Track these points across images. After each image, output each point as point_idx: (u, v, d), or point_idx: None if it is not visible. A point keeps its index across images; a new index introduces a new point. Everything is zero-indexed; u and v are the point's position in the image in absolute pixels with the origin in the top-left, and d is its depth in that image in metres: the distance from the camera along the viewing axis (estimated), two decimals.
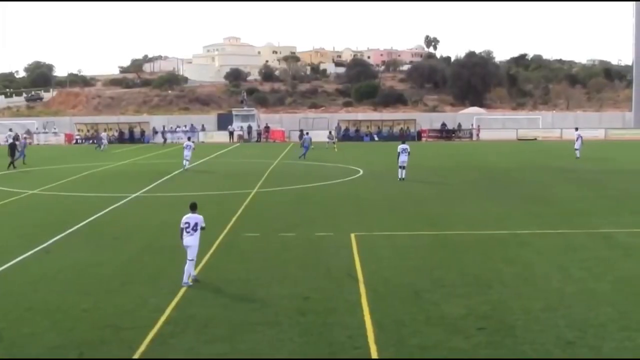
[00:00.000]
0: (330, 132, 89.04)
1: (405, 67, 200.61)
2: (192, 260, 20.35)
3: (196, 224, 20.69)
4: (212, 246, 25.01)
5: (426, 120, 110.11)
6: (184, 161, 55.66)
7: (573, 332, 15.94)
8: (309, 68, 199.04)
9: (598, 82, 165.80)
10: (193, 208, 21.23)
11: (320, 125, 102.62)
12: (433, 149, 79.16)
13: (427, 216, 32.14)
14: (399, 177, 46.09)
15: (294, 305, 17.85)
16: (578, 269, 21.89)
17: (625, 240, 26.62)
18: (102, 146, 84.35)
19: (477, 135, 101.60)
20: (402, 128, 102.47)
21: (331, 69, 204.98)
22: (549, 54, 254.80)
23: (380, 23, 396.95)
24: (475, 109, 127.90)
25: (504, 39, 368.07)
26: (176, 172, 52.98)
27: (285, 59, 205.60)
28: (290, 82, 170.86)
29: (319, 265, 22.45)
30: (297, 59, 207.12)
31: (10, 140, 66.91)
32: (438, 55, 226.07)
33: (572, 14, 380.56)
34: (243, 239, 26.84)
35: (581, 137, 66.66)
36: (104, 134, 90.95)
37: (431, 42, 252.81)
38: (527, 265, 22.56)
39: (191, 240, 20.52)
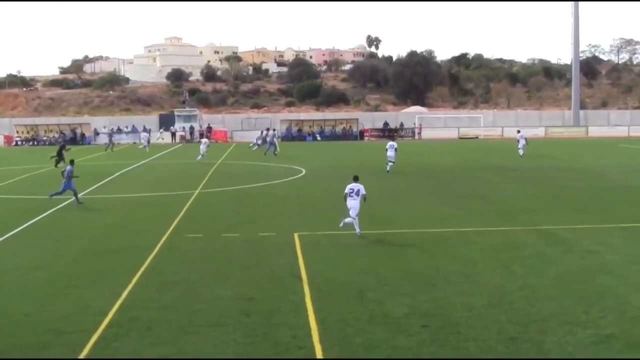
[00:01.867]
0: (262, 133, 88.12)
1: (348, 67, 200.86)
2: (356, 216, 26.92)
3: (358, 191, 27.28)
4: (154, 248, 24.87)
5: (368, 119, 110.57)
6: (199, 155, 63.71)
7: (515, 327, 16.08)
8: (251, 68, 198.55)
9: (538, 81, 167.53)
10: (356, 179, 28.02)
11: (263, 126, 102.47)
12: (375, 149, 79.36)
13: (370, 215, 32.13)
14: (387, 170, 51.04)
15: (238, 306, 17.79)
16: (520, 266, 22.10)
17: (566, 236, 26.93)
18: (111, 145, 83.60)
19: (419, 134, 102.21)
20: (344, 127, 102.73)
21: (273, 68, 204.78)
22: (490, 53, 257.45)
23: (322, 23, 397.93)
24: (417, 108, 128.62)
25: (445, 38, 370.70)
26: (118, 173, 52.62)
27: (227, 59, 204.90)
28: (233, 82, 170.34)
29: (263, 265, 22.40)
30: (239, 59, 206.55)
31: None
32: (380, 55, 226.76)
33: (512, 14, 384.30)
34: (186, 240, 26.69)
35: (524, 138, 67.91)
36: (144, 134, 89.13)
37: (373, 41, 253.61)
38: (470, 262, 22.72)
39: (354, 203, 27.13)
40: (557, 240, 26.20)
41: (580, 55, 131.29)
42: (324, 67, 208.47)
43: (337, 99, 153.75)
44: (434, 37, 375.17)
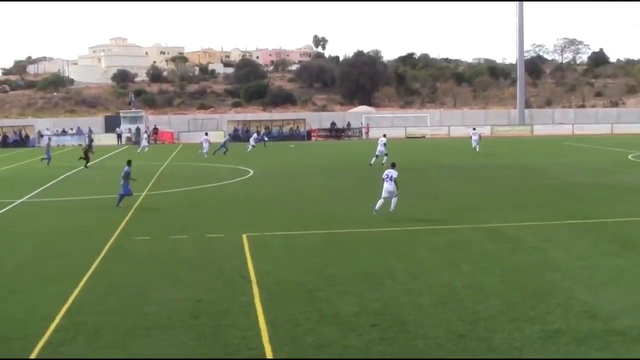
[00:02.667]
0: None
1: (294, 67, 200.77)
2: (395, 197, 31.49)
3: (392, 176, 31.45)
4: (101, 251, 24.67)
5: (316, 119, 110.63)
6: (204, 152, 68.29)
7: (464, 325, 16.20)
8: (197, 69, 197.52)
9: (484, 81, 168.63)
10: (393, 166, 32.67)
11: (210, 127, 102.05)
12: (323, 149, 79.52)
13: (319, 215, 32.28)
14: (370, 163, 54.92)
15: (187, 308, 17.72)
16: (467, 264, 22.26)
17: (512, 233, 27.19)
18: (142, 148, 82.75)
19: (367, 133, 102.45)
20: (291, 128, 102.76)
21: (220, 69, 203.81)
22: (436, 53, 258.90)
23: (269, 23, 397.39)
24: (364, 108, 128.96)
25: (391, 38, 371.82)
26: (63, 176, 52.14)
27: (173, 59, 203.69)
28: (179, 83, 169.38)
29: (211, 267, 22.33)
30: (185, 60, 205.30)
31: None
32: (327, 55, 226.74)
33: (458, 14, 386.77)
34: (133, 242, 26.51)
35: (478, 134, 72.03)
36: (144, 135, 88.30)
37: (320, 41, 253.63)
38: (418, 261, 22.85)
39: (388, 186, 31.39)
40: (504, 238, 26.43)
41: (525, 54, 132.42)
42: (271, 68, 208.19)
43: (284, 99, 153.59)
44: (381, 37, 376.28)
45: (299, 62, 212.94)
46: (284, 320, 16.63)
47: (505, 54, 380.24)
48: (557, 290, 19.01)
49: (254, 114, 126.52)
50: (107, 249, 25.22)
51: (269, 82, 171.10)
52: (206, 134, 76.36)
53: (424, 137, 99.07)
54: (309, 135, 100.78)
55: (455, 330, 15.86)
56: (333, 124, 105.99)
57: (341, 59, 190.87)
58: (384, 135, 60.99)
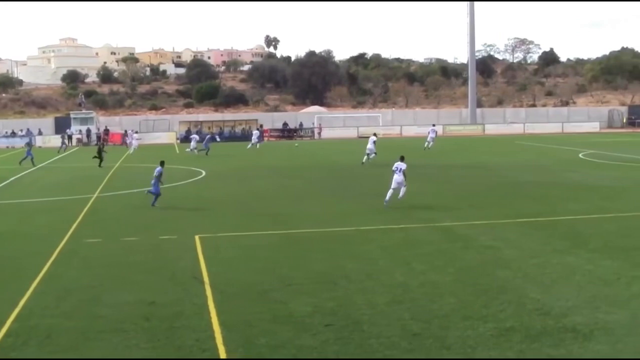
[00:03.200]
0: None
1: (246, 67, 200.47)
2: (405, 187, 33.97)
3: (401, 168, 33.81)
4: (52, 254, 24.43)
5: (268, 119, 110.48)
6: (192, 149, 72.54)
7: (418, 323, 16.27)
8: (148, 69, 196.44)
9: (435, 80, 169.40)
10: (402, 159, 34.47)
11: (162, 127, 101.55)
12: (276, 149, 79.43)
13: (272, 215, 32.23)
14: (362, 162, 56.27)
15: (140, 311, 17.59)
16: (420, 262, 22.36)
17: (465, 232, 27.35)
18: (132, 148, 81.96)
19: (319, 133, 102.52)
20: (244, 128, 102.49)
21: (171, 69, 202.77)
22: (388, 53, 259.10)
23: (220, 23, 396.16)
24: (316, 108, 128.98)
25: (343, 38, 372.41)
26: (13, 178, 51.62)
27: (124, 60, 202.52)
28: (130, 84, 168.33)
29: (164, 269, 22.20)
30: (136, 60, 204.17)
31: None
32: (278, 55, 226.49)
33: (409, 14, 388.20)
34: (84, 245, 26.26)
35: (436, 131, 74.95)
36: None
37: (271, 41, 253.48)
38: (372, 260, 22.90)
39: (398, 178, 33.86)
40: (456, 237, 26.59)
41: (476, 54, 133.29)
42: (223, 68, 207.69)
43: (236, 100, 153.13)
44: (333, 37, 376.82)
45: (251, 62, 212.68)
46: (238, 322, 16.59)
47: (457, 54, 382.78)
48: (509, 288, 19.16)
49: (205, 115, 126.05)
50: (58, 251, 24.97)
51: (221, 82, 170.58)
52: (196, 132, 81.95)
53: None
54: (261, 135, 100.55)
55: (410, 329, 15.92)
56: (285, 124, 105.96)
57: (293, 59, 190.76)
58: (375, 134, 62.01)
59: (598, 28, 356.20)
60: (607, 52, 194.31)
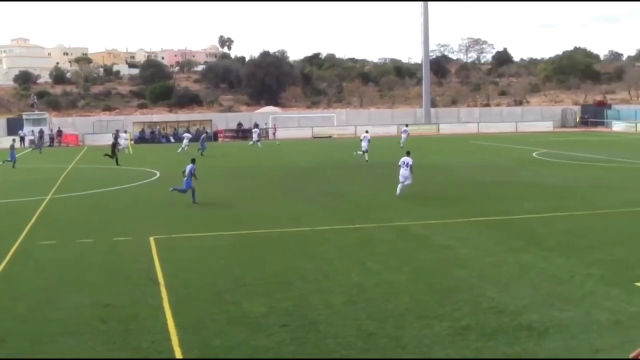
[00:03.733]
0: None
1: (200, 68, 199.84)
2: (406, 182, 36.82)
3: (408, 163, 36.94)
4: (5, 257, 24.17)
5: (222, 120, 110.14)
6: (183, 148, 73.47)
7: (374, 323, 16.30)
8: (101, 70, 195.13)
9: (390, 80, 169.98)
10: (408, 154, 37.87)
11: (115, 128, 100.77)
12: (231, 149, 79.22)
13: (227, 216, 32.17)
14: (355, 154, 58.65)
15: (95, 313, 17.46)
16: (376, 262, 22.41)
17: (419, 232, 27.48)
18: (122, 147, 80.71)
19: (274, 134, 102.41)
20: (198, 129, 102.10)
21: (125, 70, 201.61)
22: (342, 53, 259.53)
23: (174, 23, 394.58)
24: (270, 108, 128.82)
25: (297, 38, 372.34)
26: None
27: (77, 60, 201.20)
28: (83, 85, 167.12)
29: (119, 271, 22.06)
30: (89, 61, 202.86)
31: None
32: (232, 55, 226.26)
33: (363, 14, 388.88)
34: (38, 247, 26.02)
35: (407, 132, 77.61)
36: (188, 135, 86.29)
37: (225, 42, 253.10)
38: (327, 260, 22.92)
39: (405, 172, 36.90)
40: (411, 236, 26.70)
41: (430, 54, 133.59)
42: (177, 68, 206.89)
43: (190, 100, 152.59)
44: (287, 38, 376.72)
45: (205, 62, 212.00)
46: (193, 323, 16.53)
47: (411, 54, 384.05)
48: (464, 287, 19.26)
49: (160, 115, 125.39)
50: (11, 254, 24.72)
51: (175, 82, 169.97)
52: (187, 131, 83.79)
53: (330, 137, 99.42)
54: (215, 136, 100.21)
55: (366, 329, 15.95)
56: (239, 124, 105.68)
57: (247, 59, 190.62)
58: (367, 132, 64.19)
59: (551, 28, 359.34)
60: (560, 52, 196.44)
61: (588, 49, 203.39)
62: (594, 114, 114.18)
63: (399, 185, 36.93)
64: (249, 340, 15.35)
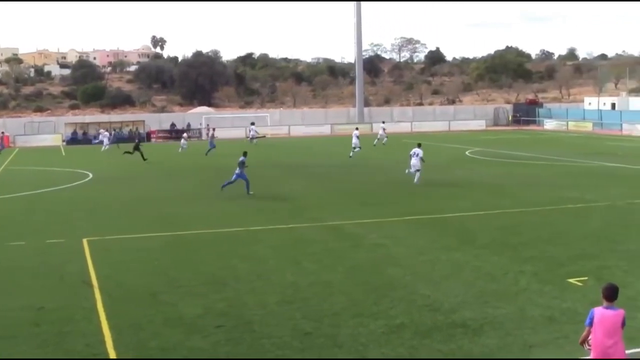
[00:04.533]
0: None
1: (133, 68, 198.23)
2: (416, 171, 40.97)
3: (418, 153, 41.13)
4: None
5: (155, 120, 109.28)
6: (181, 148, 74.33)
7: (309, 323, 16.35)
8: (32, 70, 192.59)
9: (323, 80, 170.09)
10: (419, 145, 41.76)
11: (47, 130, 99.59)
12: (164, 150, 78.74)
13: (161, 217, 31.98)
14: (349, 155, 60.97)
15: (28, 317, 17.27)
16: (310, 262, 22.48)
17: (353, 231, 27.59)
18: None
19: (207, 134, 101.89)
20: (131, 129, 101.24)
21: (56, 70, 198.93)
22: (275, 53, 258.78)
23: (105, 23, 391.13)
24: (204, 109, 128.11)
25: (230, 38, 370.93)
26: None
27: (7, 61, 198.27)
28: (14, 85, 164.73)
29: (52, 273, 21.84)
30: (19, 61, 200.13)
31: None
32: (165, 56, 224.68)
33: (296, 13, 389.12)
34: None
35: (384, 129, 79.94)
36: (105, 133, 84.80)
37: (158, 42, 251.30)
38: (262, 260, 22.95)
39: (415, 162, 41.15)
40: (346, 235, 26.80)
41: (363, 54, 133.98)
42: (109, 69, 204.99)
43: (122, 101, 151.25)
44: (219, 37, 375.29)
45: (137, 62, 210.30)
46: (128, 325, 16.44)
47: (344, 54, 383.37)
48: (399, 285, 19.40)
49: (92, 116, 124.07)
50: None
51: (107, 83, 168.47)
52: (186, 130, 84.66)
53: (264, 136, 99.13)
54: (148, 136, 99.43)
55: (301, 328, 15.99)
56: (173, 125, 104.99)
57: (180, 59, 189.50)
58: (357, 129, 68.68)
59: (482, 28, 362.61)
60: (492, 51, 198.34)
61: (520, 48, 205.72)
62: (526, 113, 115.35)
63: (414, 173, 41.24)
64: (185, 342, 15.31)
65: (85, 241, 26.36)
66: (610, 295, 11.50)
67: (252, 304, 17.91)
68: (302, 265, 22.11)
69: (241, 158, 38.74)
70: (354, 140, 62.87)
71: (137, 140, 67.98)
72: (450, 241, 25.29)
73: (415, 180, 40.70)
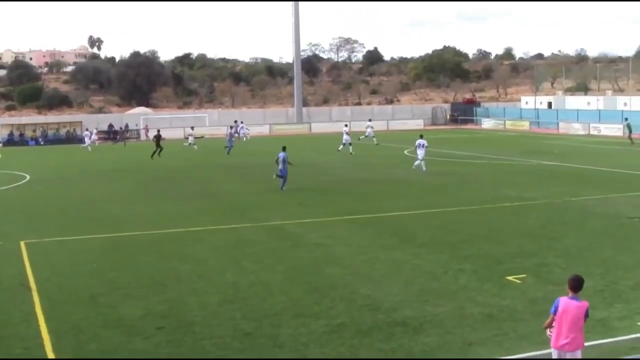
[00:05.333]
0: None
1: (70, 68, 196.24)
2: (422, 160, 46.45)
3: (424, 144, 46.54)
4: None
5: (93, 121, 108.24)
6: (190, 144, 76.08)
7: (250, 323, 16.35)
8: None
9: (261, 80, 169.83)
10: (421, 137, 47.37)
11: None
12: (102, 151, 78.08)
13: (100, 219, 31.70)
14: (338, 149, 64.43)
15: None
16: (251, 262, 22.48)
17: (294, 231, 27.65)
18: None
19: (146, 135, 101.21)
20: (68, 130, 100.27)
21: None
22: (213, 53, 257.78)
23: (42, 23, 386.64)
24: (142, 109, 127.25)
25: (168, 38, 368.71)
26: None
27: None
28: None
29: None
30: None
31: None
32: (103, 56, 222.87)
33: (234, 13, 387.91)
34: None
35: (372, 127, 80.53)
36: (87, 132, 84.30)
37: (95, 42, 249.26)
38: (202, 261, 22.89)
39: (420, 152, 46.60)
40: (286, 235, 26.84)
41: (302, 53, 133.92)
42: (45, 69, 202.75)
43: (59, 102, 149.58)
44: (157, 38, 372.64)
45: (75, 63, 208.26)
46: (67, 328, 16.31)
47: (282, 53, 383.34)
48: (339, 285, 19.47)
49: (29, 117, 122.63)
50: None
51: (44, 84, 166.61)
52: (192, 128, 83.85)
53: (202, 137, 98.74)
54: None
55: (242, 329, 15.99)
56: (110, 126, 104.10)
57: (117, 59, 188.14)
58: (346, 125, 70.15)
59: (420, 28, 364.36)
60: (429, 51, 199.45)
61: (457, 48, 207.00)
62: (464, 112, 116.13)
63: (422, 163, 46.51)
64: (125, 344, 15.23)
65: (22, 244, 26.04)
66: (576, 286, 11.83)
67: (193, 305, 17.86)
68: (242, 266, 22.10)
69: (282, 154, 39.64)
70: (345, 137, 64.52)
71: (157, 134, 68.49)
72: (390, 240, 25.43)
73: (424, 168, 46.03)
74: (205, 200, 36.22)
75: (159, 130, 71.31)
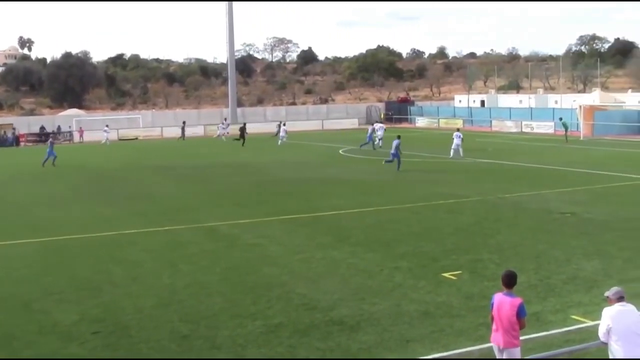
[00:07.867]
0: None
1: None
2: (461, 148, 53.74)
3: (459, 135, 54.30)
4: None
5: (24, 124, 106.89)
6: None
7: (187, 325, 16.29)
8: None
9: (195, 80, 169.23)
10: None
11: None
12: (33, 154, 77.14)
13: (30, 223, 31.26)
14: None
15: None
16: (186, 264, 22.38)
17: (229, 231, 27.60)
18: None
19: (80, 137, 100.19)
20: None
21: None
22: (147, 54, 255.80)
23: None
24: (74, 111, 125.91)
25: (100, 39, 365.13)
26: None
27: None
28: None
29: None
30: None
31: None
32: (33, 57, 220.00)
33: (167, 13, 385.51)
34: None
35: (377, 127, 75.83)
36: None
37: (25, 43, 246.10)
38: (137, 264, 22.74)
39: (457, 141, 53.61)
40: (221, 236, 26.79)
41: (236, 54, 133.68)
42: None
43: None
44: (89, 38, 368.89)
45: (4, 64, 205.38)
46: (1, 335, 16.06)
47: (216, 54, 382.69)
48: (276, 285, 19.47)
49: None
50: None
51: None
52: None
53: (136, 138, 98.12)
54: (17, 140, 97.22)
55: (179, 331, 15.92)
56: (42, 128, 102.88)
57: (49, 60, 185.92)
58: (284, 124, 76.83)
59: (353, 27, 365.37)
60: (363, 51, 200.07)
61: (391, 47, 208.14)
62: (398, 111, 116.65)
63: (458, 149, 53.74)
64: (61, 350, 15.08)
65: None
66: (508, 282, 11.96)
67: (129, 309, 17.73)
68: (178, 268, 21.99)
69: (396, 141, 47.66)
70: (282, 134, 73.13)
71: (243, 125, 76.35)
72: (326, 239, 25.49)
73: (462, 154, 53.55)
74: (139, 202, 35.94)
75: (244, 124, 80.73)
